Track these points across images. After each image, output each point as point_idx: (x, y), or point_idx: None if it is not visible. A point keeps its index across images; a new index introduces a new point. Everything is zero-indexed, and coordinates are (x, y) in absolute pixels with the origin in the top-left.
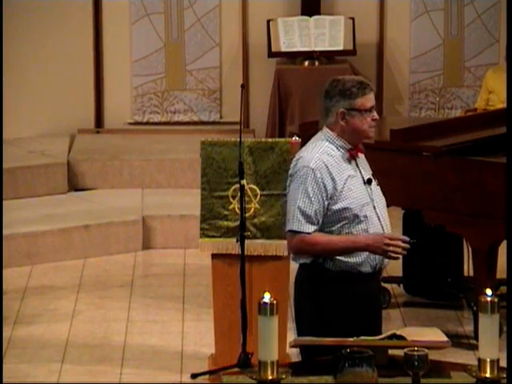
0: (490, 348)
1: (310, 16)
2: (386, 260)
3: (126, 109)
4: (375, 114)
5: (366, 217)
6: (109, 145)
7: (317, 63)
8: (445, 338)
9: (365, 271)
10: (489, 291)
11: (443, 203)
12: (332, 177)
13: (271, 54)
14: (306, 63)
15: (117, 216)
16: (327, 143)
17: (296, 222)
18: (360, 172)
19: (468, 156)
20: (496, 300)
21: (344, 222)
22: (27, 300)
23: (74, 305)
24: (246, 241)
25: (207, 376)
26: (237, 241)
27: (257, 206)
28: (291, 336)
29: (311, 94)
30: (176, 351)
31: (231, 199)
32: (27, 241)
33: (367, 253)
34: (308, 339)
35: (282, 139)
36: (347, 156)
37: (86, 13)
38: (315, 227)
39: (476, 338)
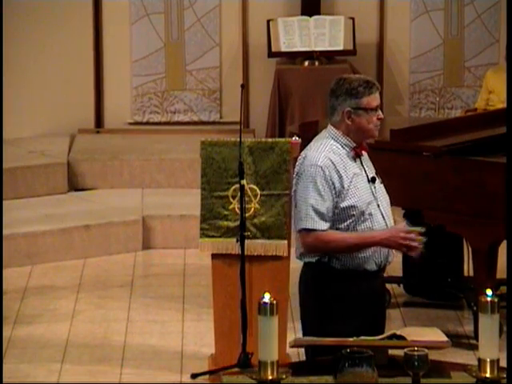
0: (489, 348)
1: (310, 16)
2: (390, 257)
3: (126, 109)
4: (380, 113)
5: (370, 215)
6: (109, 145)
7: (317, 63)
8: (445, 338)
9: (370, 269)
10: (489, 291)
11: (443, 203)
12: (339, 174)
13: (271, 54)
14: (306, 63)
15: (117, 216)
16: (332, 141)
17: (310, 220)
18: (364, 170)
19: (468, 156)
20: (496, 300)
21: (351, 220)
22: (27, 300)
23: (73, 305)
24: (246, 241)
25: (207, 376)
26: (237, 241)
27: (257, 206)
28: (291, 336)
29: (311, 94)
30: (176, 351)
31: (231, 199)
32: (27, 241)
33: (372, 250)
34: (308, 339)
35: (282, 139)
36: (352, 154)
37: (86, 13)
38: (328, 224)
39: (476, 337)
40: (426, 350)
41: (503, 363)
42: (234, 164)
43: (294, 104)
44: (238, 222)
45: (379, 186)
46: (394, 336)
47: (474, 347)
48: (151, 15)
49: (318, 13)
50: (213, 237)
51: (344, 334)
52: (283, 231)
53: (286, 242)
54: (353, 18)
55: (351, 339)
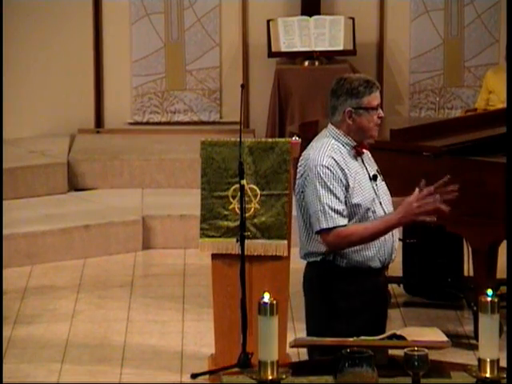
0: (490, 348)
1: (310, 16)
2: (394, 255)
3: (126, 109)
4: (381, 112)
5: (374, 212)
6: (109, 145)
7: (317, 63)
8: (445, 338)
9: (374, 266)
10: (489, 291)
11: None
12: (344, 173)
13: (271, 54)
14: (306, 63)
15: (117, 216)
16: (333, 141)
17: (329, 219)
18: (366, 168)
19: (468, 156)
20: (496, 300)
21: (357, 218)
22: (27, 300)
23: (73, 305)
24: (246, 241)
25: (207, 376)
26: (237, 241)
27: (257, 206)
28: (291, 336)
29: (311, 94)
30: (176, 351)
31: (231, 199)
32: (27, 241)
33: (377, 248)
34: (308, 339)
35: (282, 139)
36: (353, 153)
37: (86, 13)
38: (346, 220)
39: (476, 337)
40: (426, 350)
41: (503, 363)
42: (233, 164)
43: (294, 104)
44: (237, 222)
45: (381, 183)
46: (394, 336)
47: (474, 347)
48: (151, 15)
49: (318, 13)
50: (213, 237)
51: (350, 331)
52: (283, 231)
53: (285, 242)
54: (353, 18)
55: (351, 339)
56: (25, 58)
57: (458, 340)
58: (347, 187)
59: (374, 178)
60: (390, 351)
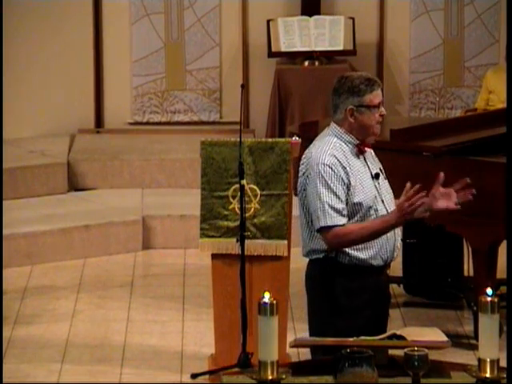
0: (490, 348)
1: (310, 16)
2: (396, 253)
3: (126, 109)
4: (383, 110)
5: (376, 210)
6: (109, 145)
7: (317, 63)
8: (445, 338)
9: (376, 264)
10: (489, 291)
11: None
12: (346, 171)
13: (271, 54)
14: (306, 63)
15: (117, 216)
16: (335, 139)
17: (328, 218)
18: (368, 167)
19: (468, 156)
20: (496, 300)
21: (358, 216)
22: (27, 300)
23: (74, 305)
24: (246, 241)
25: (207, 376)
26: (237, 241)
27: (257, 206)
28: (291, 336)
29: (311, 94)
30: (176, 351)
31: (231, 199)
32: (27, 241)
33: (379, 246)
34: (308, 339)
35: (282, 139)
36: (355, 151)
37: (86, 13)
38: (346, 219)
39: (476, 337)
40: (426, 350)
41: (503, 363)
42: (234, 164)
43: (294, 104)
44: (238, 222)
45: (383, 182)
46: (394, 336)
47: (474, 347)
48: (151, 15)
49: (318, 13)
50: (213, 237)
51: (352, 328)
52: (283, 231)
53: (286, 242)
54: (353, 18)
55: (351, 339)
56: (25, 57)
57: (457, 340)
58: (349, 186)
59: (376, 177)
60: (390, 351)
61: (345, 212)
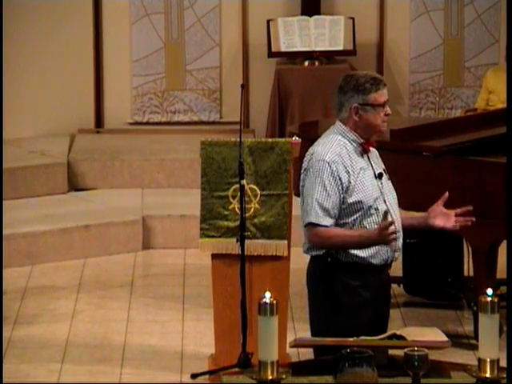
0: (489, 348)
1: (310, 16)
2: (397, 253)
3: (126, 109)
4: (388, 109)
5: (377, 210)
6: (109, 145)
7: (317, 63)
8: (445, 338)
9: (376, 263)
10: (489, 291)
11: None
12: (346, 170)
13: (271, 54)
14: (306, 63)
15: (117, 216)
16: (340, 137)
17: (314, 215)
18: (371, 166)
19: (468, 156)
20: (496, 300)
21: (358, 215)
22: (27, 300)
23: (74, 305)
24: (246, 241)
25: (207, 376)
26: (237, 241)
27: (257, 206)
28: (291, 336)
29: (311, 94)
30: (176, 351)
31: (231, 199)
32: (27, 241)
33: (379, 246)
34: (308, 339)
35: (282, 139)
36: (360, 150)
37: (86, 13)
38: (332, 220)
39: (476, 337)
40: (426, 350)
41: (503, 363)
42: (233, 164)
43: (294, 104)
44: (238, 222)
45: (386, 182)
46: (394, 336)
47: (474, 347)
48: (151, 15)
49: (318, 13)
50: (213, 237)
51: (352, 326)
52: (283, 231)
53: (286, 242)
54: (353, 18)
55: (351, 339)
56: (25, 57)
57: (458, 340)
58: (347, 186)
59: (379, 177)
60: (390, 351)
61: (333, 212)
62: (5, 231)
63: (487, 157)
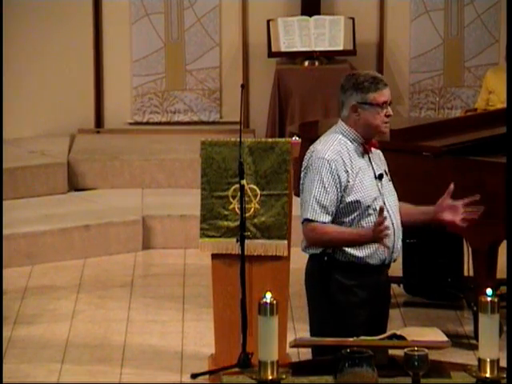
0: (489, 348)
1: (310, 16)
2: (396, 254)
3: (126, 109)
4: (389, 110)
5: (375, 210)
6: (109, 145)
7: (317, 63)
8: (445, 338)
9: (373, 263)
10: (489, 291)
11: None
12: (346, 169)
13: (271, 54)
14: (306, 63)
15: (117, 216)
16: (341, 136)
17: (311, 211)
18: (372, 166)
19: (468, 156)
20: (496, 300)
21: (355, 214)
22: (27, 300)
23: (74, 305)
24: (246, 241)
25: (207, 376)
26: (237, 241)
27: (257, 206)
28: (291, 336)
29: (311, 94)
30: (176, 351)
31: (231, 199)
32: (27, 241)
33: (376, 246)
34: (308, 339)
35: (282, 139)
36: (360, 149)
37: (86, 13)
38: (329, 217)
39: (476, 337)
40: (426, 350)
41: (503, 363)
42: (234, 164)
43: (294, 104)
44: (238, 222)
45: (387, 183)
46: (394, 336)
47: (474, 347)
48: (151, 15)
49: (318, 13)
50: (213, 237)
51: (349, 326)
52: (283, 231)
53: (286, 242)
54: (353, 18)
55: (351, 339)
56: (25, 57)
57: (458, 340)
58: (346, 185)
59: (379, 177)
60: (390, 351)
61: (330, 210)
62: (5, 231)
63: (487, 157)
